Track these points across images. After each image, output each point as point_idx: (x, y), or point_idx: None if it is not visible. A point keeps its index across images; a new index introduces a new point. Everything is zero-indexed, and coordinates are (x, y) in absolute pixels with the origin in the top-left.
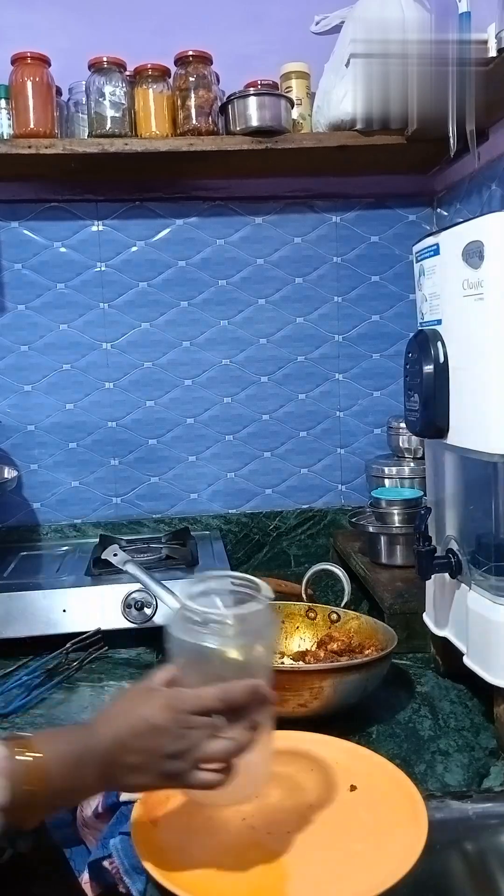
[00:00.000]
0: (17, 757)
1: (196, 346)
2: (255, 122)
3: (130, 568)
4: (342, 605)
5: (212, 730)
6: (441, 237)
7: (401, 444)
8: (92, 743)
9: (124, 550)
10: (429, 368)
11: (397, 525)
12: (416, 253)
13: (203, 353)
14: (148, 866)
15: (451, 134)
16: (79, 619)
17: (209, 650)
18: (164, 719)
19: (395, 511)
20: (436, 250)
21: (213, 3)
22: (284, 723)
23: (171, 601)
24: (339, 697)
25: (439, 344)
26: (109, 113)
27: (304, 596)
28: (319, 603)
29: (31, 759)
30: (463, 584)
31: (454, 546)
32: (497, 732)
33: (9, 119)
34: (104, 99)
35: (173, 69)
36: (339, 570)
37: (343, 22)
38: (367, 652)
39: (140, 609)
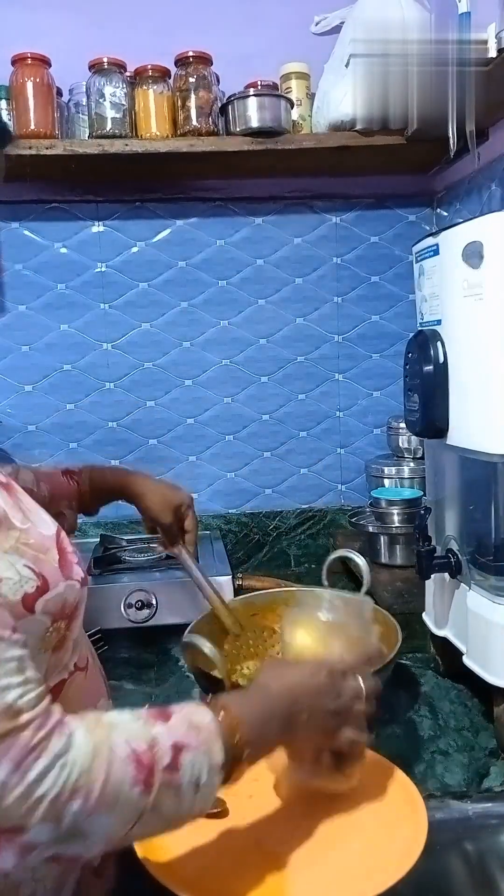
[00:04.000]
0: (221, 720)
1: (196, 346)
2: (255, 123)
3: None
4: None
5: (358, 692)
6: (441, 237)
7: (401, 444)
8: (272, 703)
9: (124, 550)
10: (429, 368)
11: (397, 525)
12: (416, 253)
13: (203, 354)
14: (148, 866)
15: (451, 134)
16: None
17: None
18: (324, 682)
19: (395, 511)
20: (436, 251)
21: (213, 4)
22: None
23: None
24: None
25: (439, 344)
26: (110, 114)
27: (325, 582)
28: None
29: (231, 720)
30: (463, 584)
31: (454, 546)
32: (497, 732)
33: (9, 120)
34: (104, 100)
35: (173, 70)
36: (357, 557)
37: (343, 22)
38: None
39: (140, 609)
